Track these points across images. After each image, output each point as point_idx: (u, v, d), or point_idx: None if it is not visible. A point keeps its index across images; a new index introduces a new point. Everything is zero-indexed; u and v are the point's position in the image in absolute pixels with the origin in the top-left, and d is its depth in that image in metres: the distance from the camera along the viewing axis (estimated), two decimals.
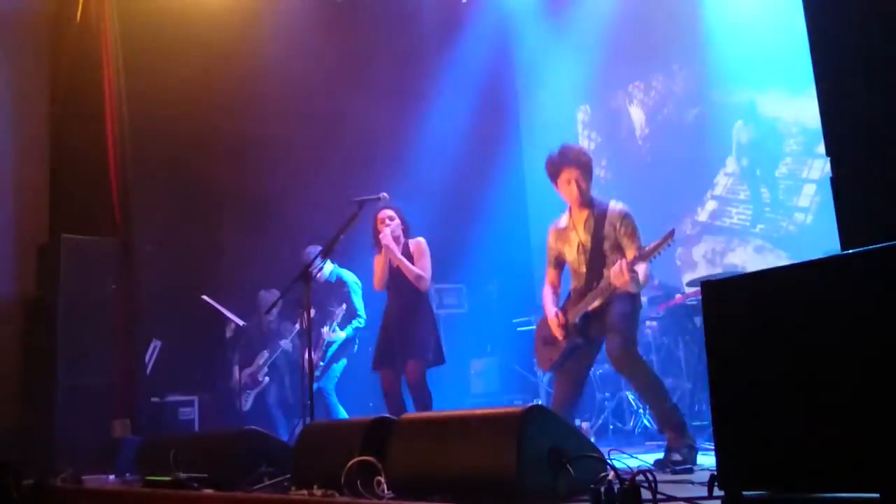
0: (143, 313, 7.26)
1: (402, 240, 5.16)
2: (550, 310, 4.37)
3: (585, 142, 9.07)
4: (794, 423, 1.32)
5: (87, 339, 6.83)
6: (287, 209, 7.45)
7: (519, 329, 7.38)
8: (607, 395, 6.28)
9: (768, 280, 1.48)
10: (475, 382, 7.66)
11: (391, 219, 5.11)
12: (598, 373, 6.24)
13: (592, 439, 3.91)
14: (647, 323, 6.35)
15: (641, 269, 4.02)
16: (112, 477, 5.24)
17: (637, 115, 8.75)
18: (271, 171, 7.53)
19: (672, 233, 3.95)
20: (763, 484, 1.37)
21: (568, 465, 2.49)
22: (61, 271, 6.81)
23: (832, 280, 1.35)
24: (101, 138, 7.36)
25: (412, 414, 3.55)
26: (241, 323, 6.26)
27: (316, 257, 4.63)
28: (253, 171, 7.55)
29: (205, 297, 6.22)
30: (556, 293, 4.48)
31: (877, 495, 1.21)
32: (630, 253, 4.10)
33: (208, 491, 3.27)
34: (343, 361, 6.44)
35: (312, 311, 6.02)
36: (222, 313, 6.34)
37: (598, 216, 4.27)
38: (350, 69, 7.89)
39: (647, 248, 4.01)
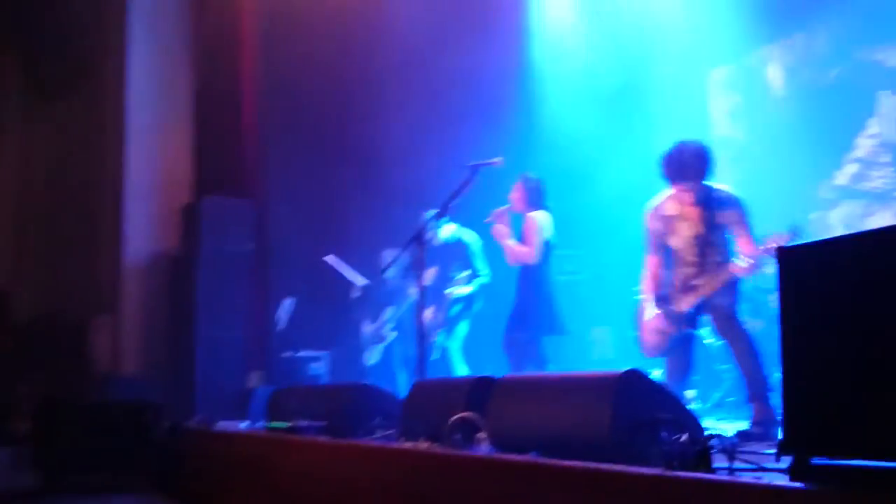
0: (276, 271, 7.69)
1: (527, 211, 5.24)
2: (651, 313, 4.34)
3: (719, 103, 8.77)
4: (866, 391, 1.29)
5: (225, 295, 7.31)
6: (413, 171, 7.59)
7: (637, 297, 7.27)
8: (726, 367, 6.13)
9: (846, 245, 1.44)
10: (595, 350, 7.62)
11: (513, 196, 5.21)
12: (719, 344, 6.10)
13: (698, 407, 3.88)
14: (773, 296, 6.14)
15: (762, 258, 3.95)
16: (244, 424, 5.60)
17: (775, 75, 8.38)
18: (397, 135, 7.67)
19: (797, 230, 3.82)
20: (831, 450, 1.35)
21: (660, 429, 2.49)
22: (202, 231, 7.30)
23: None
24: (239, 105, 7.78)
25: (513, 375, 3.63)
26: (359, 282, 6.47)
27: (429, 220, 4.77)
28: (380, 135, 7.72)
29: (328, 257, 6.47)
30: (658, 283, 4.41)
31: None
32: (743, 240, 4.03)
33: (322, 438, 3.47)
34: (467, 322, 6.53)
35: (434, 271, 6.19)
36: (344, 272, 6.58)
37: (710, 204, 4.17)
38: (478, 30, 7.90)
39: (771, 241, 3.90)
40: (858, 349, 1.30)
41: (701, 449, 1.83)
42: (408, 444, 3.23)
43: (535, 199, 5.31)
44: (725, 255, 4.15)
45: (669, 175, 4.24)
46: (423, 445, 3.20)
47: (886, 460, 1.23)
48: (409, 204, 6.94)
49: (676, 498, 1.51)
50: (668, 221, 4.35)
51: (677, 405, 2.77)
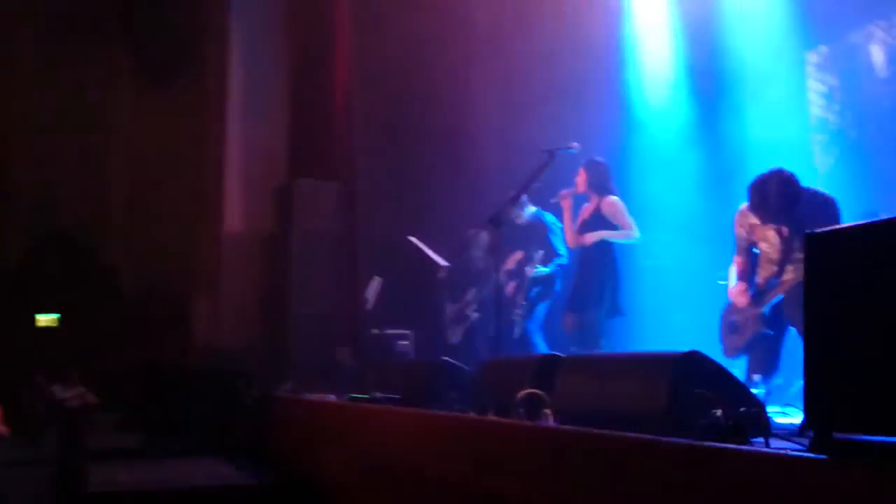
0: (365, 251, 7.95)
1: (594, 196, 5.26)
2: (735, 288, 4.31)
3: (816, 85, 8.51)
4: (887, 370, 1.34)
5: (316, 273, 7.61)
6: (498, 153, 7.67)
7: (720, 283, 7.19)
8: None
9: (873, 231, 1.47)
10: (674, 335, 7.57)
11: (577, 179, 5.24)
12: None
13: (762, 392, 3.86)
14: None
15: None
16: (331, 396, 5.86)
17: (878, 55, 8.07)
18: (483, 117, 7.76)
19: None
20: (852, 426, 1.40)
21: (719, 410, 2.55)
22: (295, 211, 7.61)
23: None
24: (332, 90, 8.05)
25: (578, 354, 3.71)
26: (442, 263, 6.63)
27: (507, 203, 4.87)
28: (465, 118, 7.83)
29: (411, 237, 6.65)
30: (747, 281, 4.38)
31: None
32: None
33: (397, 407, 3.65)
34: (547, 303, 6.62)
35: (517, 254, 6.30)
36: (426, 253, 6.75)
37: (799, 209, 4.10)
38: (565, 10, 7.87)
39: None
40: (880, 330, 1.35)
41: (735, 422, 1.91)
42: (474, 417, 3.37)
43: (601, 183, 5.34)
44: None
45: (754, 209, 4.18)
46: (490, 418, 3.33)
47: None
48: (493, 186, 7.05)
49: (708, 465, 1.60)
50: (756, 227, 4.35)
51: (738, 387, 2.81)
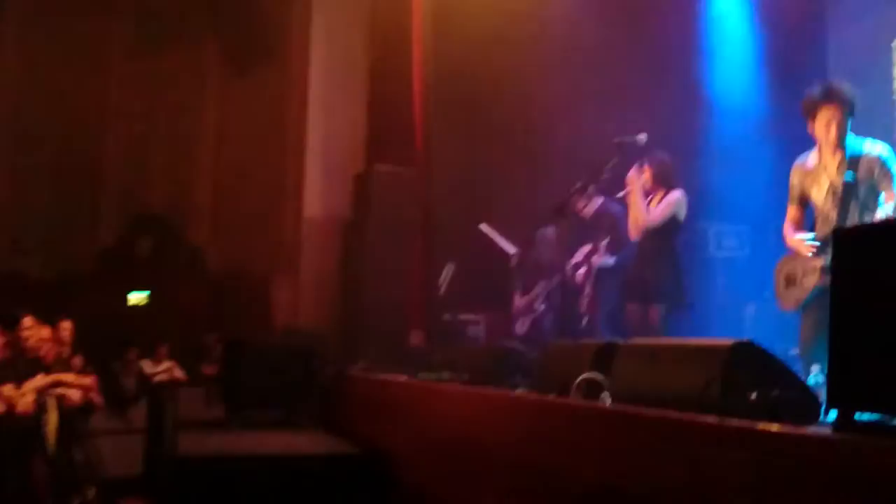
0: (439, 238, 8.14)
1: (660, 190, 5.30)
2: (799, 236, 4.24)
3: None
4: None
5: (392, 258, 7.85)
6: (572, 144, 7.73)
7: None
8: None
9: None
10: (748, 325, 7.53)
11: (639, 174, 5.27)
12: None
13: (819, 381, 3.87)
14: None
15: None
16: (402, 377, 6.08)
17: None
18: (557, 107, 7.82)
19: None
20: (873, 407, 1.49)
21: (768, 399, 2.63)
22: (372, 197, 7.85)
23: None
24: (409, 80, 8.25)
25: (635, 340, 3.81)
26: (511, 251, 6.74)
27: (572, 193, 4.95)
28: (540, 109, 7.92)
29: (482, 225, 6.77)
30: (798, 230, 4.34)
31: None
32: (889, 196, 3.92)
33: (462, 387, 3.83)
34: (612, 294, 6.67)
35: (586, 247, 6.38)
36: (496, 241, 6.86)
37: (853, 158, 4.09)
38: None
39: None
40: None
41: (769, 402, 2.01)
42: (534, 396, 3.52)
43: (665, 177, 5.37)
44: (871, 209, 3.99)
45: (814, 100, 4.16)
46: (548, 397, 3.47)
47: None
48: (563, 175, 7.12)
49: (731, 442, 1.72)
50: (810, 173, 4.30)
51: (790, 376, 2.88)
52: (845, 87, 4.23)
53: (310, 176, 9.19)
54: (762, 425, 1.77)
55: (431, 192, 7.89)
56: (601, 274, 6.42)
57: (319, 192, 9.09)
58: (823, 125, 4.16)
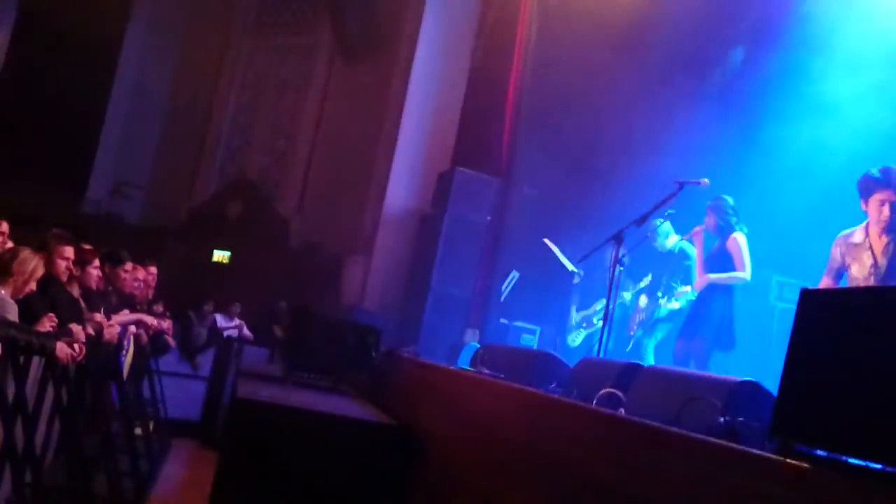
0: (508, 245, 8.49)
1: (721, 235, 5.47)
2: None
3: None
4: (847, 401, 1.71)
5: (460, 257, 8.24)
6: (654, 171, 7.81)
7: None
8: None
9: (860, 297, 1.81)
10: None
11: (706, 219, 5.46)
12: None
13: None
14: None
15: None
16: (446, 366, 6.44)
17: None
18: (635, 146, 7.91)
19: None
20: (812, 441, 1.77)
21: (733, 424, 2.89)
22: (450, 197, 8.25)
23: None
24: (505, 90, 8.62)
25: (656, 366, 4.09)
26: (571, 269, 6.98)
27: (627, 226, 5.16)
28: (618, 145, 8.05)
29: (546, 240, 7.03)
30: None
31: None
32: None
33: (494, 380, 4.17)
34: (668, 325, 6.78)
35: (650, 278, 6.56)
36: (558, 257, 7.11)
37: None
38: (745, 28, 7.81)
39: None
40: (849, 373, 1.72)
41: (728, 426, 2.32)
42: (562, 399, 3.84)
43: (726, 220, 5.49)
44: None
45: (872, 181, 4.24)
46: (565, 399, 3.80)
47: (857, 458, 1.65)
48: (644, 202, 7.25)
49: (704, 459, 2.05)
50: (852, 248, 4.41)
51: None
52: None
53: (397, 167, 9.66)
54: (715, 442, 2.10)
55: (508, 201, 8.24)
56: (662, 309, 6.44)
57: (403, 184, 9.55)
58: (877, 206, 4.28)
